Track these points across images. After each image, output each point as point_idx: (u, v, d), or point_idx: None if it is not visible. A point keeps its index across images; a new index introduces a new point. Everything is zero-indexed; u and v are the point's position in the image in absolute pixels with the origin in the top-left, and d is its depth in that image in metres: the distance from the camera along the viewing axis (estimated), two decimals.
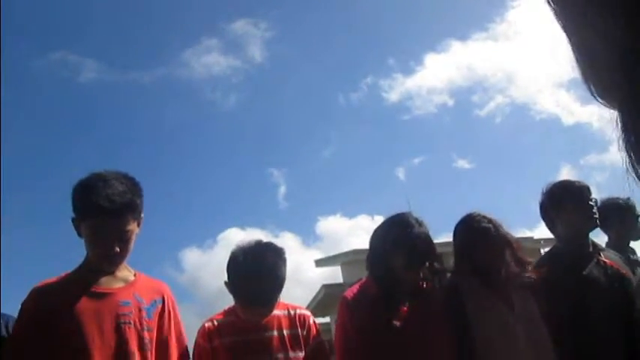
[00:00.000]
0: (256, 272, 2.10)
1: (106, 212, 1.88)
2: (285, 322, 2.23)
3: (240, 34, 28.19)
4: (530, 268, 2.50)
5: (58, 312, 1.88)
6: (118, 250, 1.94)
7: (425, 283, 2.42)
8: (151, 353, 1.98)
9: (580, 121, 23.17)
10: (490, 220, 2.47)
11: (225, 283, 2.21)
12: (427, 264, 2.37)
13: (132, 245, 2.00)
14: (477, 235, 2.45)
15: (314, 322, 2.33)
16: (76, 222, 1.97)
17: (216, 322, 2.22)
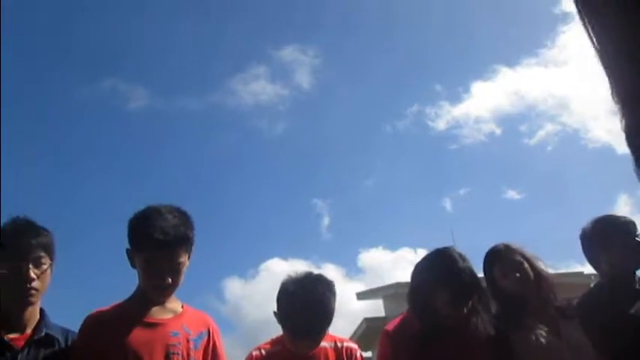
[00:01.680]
0: (307, 304, 2.11)
1: (160, 245, 1.95)
2: (332, 355, 2.24)
3: (288, 61, 28.51)
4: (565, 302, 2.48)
5: (113, 340, 1.94)
6: (170, 281, 2.00)
7: (469, 319, 2.37)
8: None
9: None
10: (508, 247, 2.52)
11: (275, 313, 2.22)
12: (471, 301, 2.34)
13: (183, 277, 2.06)
14: (495, 260, 2.50)
15: (361, 355, 2.32)
16: (131, 253, 2.05)
17: (263, 352, 2.24)
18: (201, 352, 2.08)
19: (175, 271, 2.02)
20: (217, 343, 2.15)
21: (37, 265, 1.93)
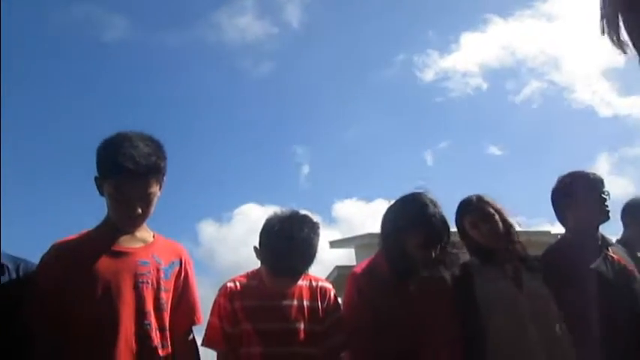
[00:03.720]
0: (291, 242, 2.10)
1: (130, 174, 1.89)
2: (306, 293, 2.25)
3: None
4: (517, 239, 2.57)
5: (78, 268, 1.90)
6: (140, 211, 1.95)
7: (437, 263, 2.42)
8: (167, 313, 2.01)
9: (619, 114, 22.45)
10: (480, 198, 2.59)
11: (255, 248, 2.21)
12: (440, 245, 2.37)
13: (153, 207, 2.01)
14: (467, 210, 2.58)
15: (335, 295, 2.33)
16: (99, 181, 1.98)
17: (238, 284, 2.24)
18: (172, 281, 2.05)
19: (146, 201, 1.97)
20: (189, 273, 2.13)
21: None
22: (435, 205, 2.37)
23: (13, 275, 1.95)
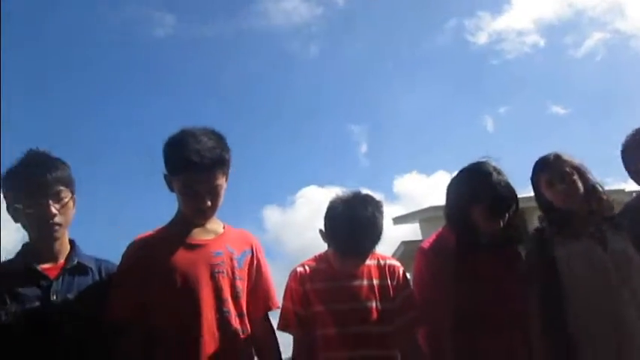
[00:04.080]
0: (356, 223, 2.11)
1: (196, 168, 1.96)
2: (375, 272, 2.26)
3: None
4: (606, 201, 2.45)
5: (157, 263, 1.99)
6: (209, 204, 2.03)
7: (506, 233, 2.38)
8: (243, 300, 2.09)
9: None
10: (558, 157, 2.47)
11: (321, 231, 2.23)
12: (508, 214, 2.33)
13: (221, 199, 2.08)
14: (543, 168, 2.47)
15: (403, 272, 2.33)
16: (168, 178, 2.07)
17: (307, 268, 2.27)
18: (246, 269, 2.13)
19: (214, 193, 2.04)
20: (261, 260, 2.20)
21: (57, 199, 1.94)
22: (499, 173, 2.33)
23: (97, 276, 2.05)
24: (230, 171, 2.12)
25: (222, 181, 2.07)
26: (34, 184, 1.92)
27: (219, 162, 2.03)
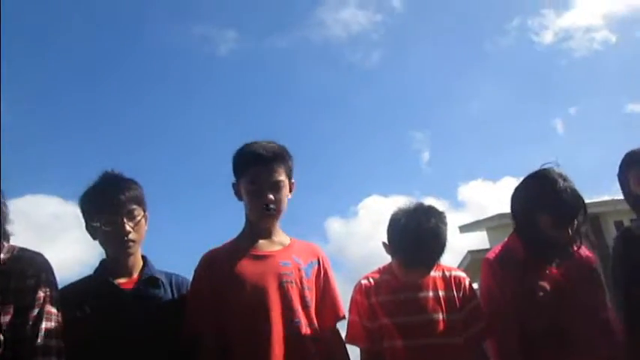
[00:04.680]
0: (419, 235, 2.10)
1: (261, 158, 2.11)
2: (440, 284, 2.24)
3: None
4: None
5: (227, 275, 2.06)
6: (271, 197, 2.10)
7: (575, 242, 2.32)
8: (313, 310, 2.11)
9: None
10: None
11: (384, 244, 2.24)
12: (576, 221, 2.25)
13: (285, 199, 2.15)
14: (632, 163, 2.38)
15: (470, 284, 2.30)
16: (236, 185, 2.19)
17: (372, 280, 2.28)
18: (314, 279, 2.17)
19: (277, 188, 2.12)
20: (328, 271, 2.24)
21: (131, 217, 2.06)
22: (565, 179, 2.26)
23: (168, 289, 2.14)
24: (293, 181, 2.21)
25: (284, 178, 2.15)
26: (109, 203, 2.05)
27: (280, 156, 2.16)
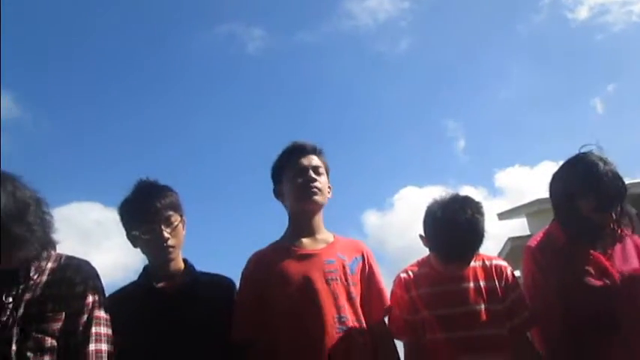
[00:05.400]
0: (456, 227, 2.08)
1: (302, 148, 2.27)
2: (481, 274, 2.22)
3: None
4: None
5: (274, 276, 2.10)
6: (315, 176, 2.19)
7: (620, 225, 2.26)
8: (359, 305, 2.13)
9: None
10: None
11: (421, 236, 2.23)
12: (620, 204, 2.21)
13: (326, 187, 2.24)
14: None
15: (512, 272, 2.27)
16: (277, 187, 2.29)
17: (411, 274, 2.28)
18: (359, 275, 2.18)
19: (318, 172, 2.23)
20: (373, 266, 2.24)
21: (168, 224, 2.11)
22: (605, 162, 2.21)
23: (212, 290, 2.17)
24: (328, 175, 2.30)
25: (322, 166, 2.27)
26: (146, 211, 2.10)
27: (317, 149, 2.30)
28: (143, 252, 2.15)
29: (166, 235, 2.10)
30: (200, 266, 2.26)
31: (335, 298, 2.08)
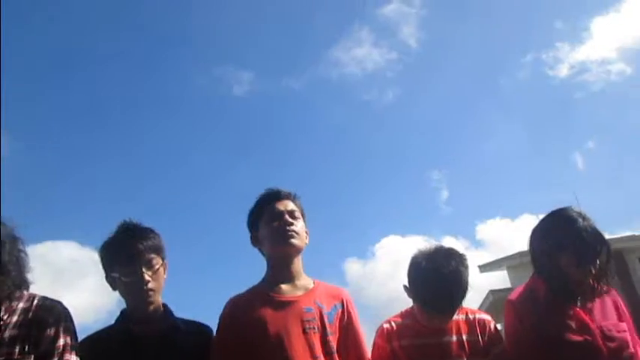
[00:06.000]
0: (440, 279, 2.08)
1: (278, 194, 2.25)
2: (464, 327, 2.21)
3: (391, 18, 27.22)
4: None
5: (251, 321, 2.05)
6: (291, 220, 2.17)
7: (598, 281, 2.26)
8: (336, 356, 2.07)
9: None
10: None
11: (405, 287, 2.22)
12: (599, 260, 2.21)
13: (303, 232, 2.21)
14: None
15: (495, 327, 2.26)
16: (254, 234, 2.25)
17: (394, 324, 2.25)
18: (337, 324, 2.14)
19: (293, 216, 2.20)
20: (352, 314, 2.20)
21: (149, 267, 2.07)
22: (584, 218, 2.24)
23: (189, 336, 2.13)
24: (306, 222, 2.28)
25: (298, 210, 2.25)
26: (128, 253, 2.07)
27: (292, 194, 2.28)
28: (122, 294, 2.11)
29: (147, 277, 2.06)
30: (178, 311, 2.22)
31: (311, 349, 2.03)
